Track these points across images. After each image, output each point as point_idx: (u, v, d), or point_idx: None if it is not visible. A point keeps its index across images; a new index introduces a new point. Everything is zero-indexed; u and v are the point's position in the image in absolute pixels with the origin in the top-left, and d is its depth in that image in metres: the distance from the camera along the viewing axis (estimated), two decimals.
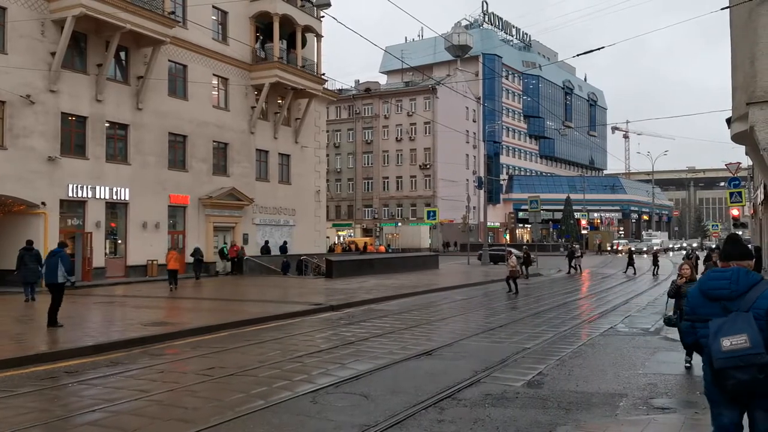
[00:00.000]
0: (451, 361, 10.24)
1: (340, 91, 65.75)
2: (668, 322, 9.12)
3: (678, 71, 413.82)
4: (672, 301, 9.86)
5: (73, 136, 26.08)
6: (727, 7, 11.08)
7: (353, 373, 9.18)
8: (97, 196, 26.56)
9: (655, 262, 34.54)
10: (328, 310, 17.30)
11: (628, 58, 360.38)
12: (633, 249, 42.47)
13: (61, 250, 14.06)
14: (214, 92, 33.12)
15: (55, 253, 13.86)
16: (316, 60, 38.45)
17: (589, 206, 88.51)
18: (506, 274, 23.10)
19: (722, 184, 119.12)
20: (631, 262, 34.47)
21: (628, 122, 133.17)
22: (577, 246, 39.42)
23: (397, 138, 73.38)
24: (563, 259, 41.26)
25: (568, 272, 34.73)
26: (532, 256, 33.82)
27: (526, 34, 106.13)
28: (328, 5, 38.56)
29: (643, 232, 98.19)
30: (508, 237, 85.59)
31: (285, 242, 35.77)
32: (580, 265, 35.77)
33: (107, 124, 27.27)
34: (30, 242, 19.31)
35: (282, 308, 17.05)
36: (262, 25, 35.76)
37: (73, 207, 26.05)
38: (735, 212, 29.32)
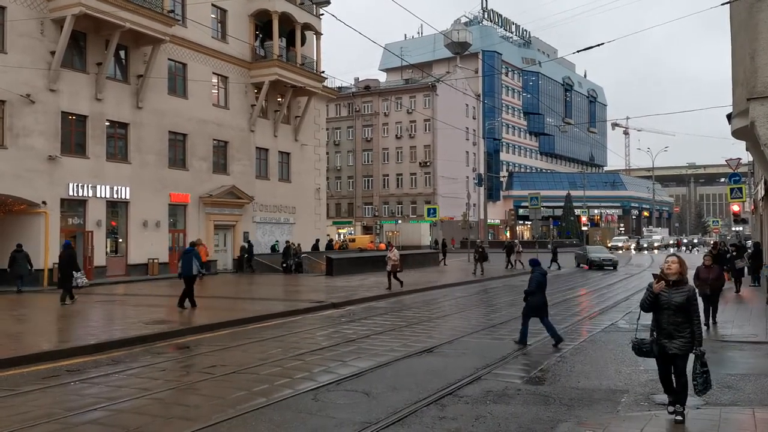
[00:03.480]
0: (452, 358, 10.25)
1: (340, 88, 65.65)
2: (638, 348, 6.60)
3: (678, 63, 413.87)
4: (648, 316, 6.68)
5: (73, 135, 26.05)
6: (727, 2, 11.06)
7: (354, 370, 9.19)
8: (98, 195, 26.55)
9: (508, 256, 35.29)
10: (329, 308, 17.31)
11: (628, 50, 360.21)
12: (557, 245, 44.47)
13: (193, 249, 16.74)
14: (213, 90, 33.08)
15: (189, 252, 16.47)
16: (315, 58, 38.41)
17: (590, 203, 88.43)
18: (388, 269, 21.98)
19: (723, 180, 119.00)
20: (554, 258, 36.13)
21: (628, 118, 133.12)
22: (516, 242, 39.39)
23: (396, 135, 73.33)
24: (565, 255, 41.30)
25: (506, 267, 34.67)
26: (487, 251, 32.85)
27: (526, 30, 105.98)
28: (328, 3, 38.70)
29: (644, 229, 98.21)
30: (508, 234, 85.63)
31: (275, 242, 35.88)
32: (521, 261, 35.25)
33: (107, 123, 27.25)
34: (19, 245, 21.94)
35: (283, 306, 17.07)
36: (262, 23, 35.72)
37: (73, 206, 26.04)
38: (735, 208, 29.32)
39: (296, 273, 31.29)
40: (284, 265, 31.71)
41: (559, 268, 35.80)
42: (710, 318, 13.15)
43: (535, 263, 11.86)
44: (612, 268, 35.66)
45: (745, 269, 23.29)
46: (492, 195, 78.58)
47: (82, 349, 10.83)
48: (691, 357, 6.40)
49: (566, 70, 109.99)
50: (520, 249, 36.32)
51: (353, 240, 62.75)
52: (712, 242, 36.59)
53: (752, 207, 40.94)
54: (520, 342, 11.34)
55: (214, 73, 32.84)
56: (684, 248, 72.85)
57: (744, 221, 45.49)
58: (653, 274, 6.42)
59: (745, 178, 42.86)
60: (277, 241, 35.62)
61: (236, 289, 23.80)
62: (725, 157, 30.35)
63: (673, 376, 6.49)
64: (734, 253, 22.54)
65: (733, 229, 67.48)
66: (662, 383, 6.69)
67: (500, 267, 34.38)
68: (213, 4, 32.61)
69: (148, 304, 18.04)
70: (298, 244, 33.29)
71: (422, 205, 64.35)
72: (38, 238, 24.11)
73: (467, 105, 76.68)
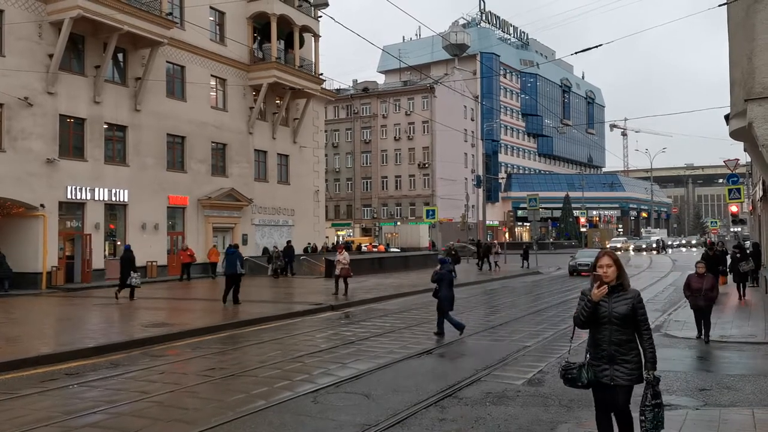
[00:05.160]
0: (452, 360, 10.25)
1: (338, 90, 65.70)
2: (565, 374, 4.94)
3: (676, 62, 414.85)
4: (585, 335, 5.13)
5: (71, 137, 26.03)
6: (724, 3, 11.07)
7: (354, 372, 9.18)
8: (96, 198, 26.53)
9: (486, 255, 34.43)
10: (328, 310, 17.30)
11: (626, 51, 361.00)
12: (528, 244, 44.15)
13: (236, 250, 18.49)
14: (212, 93, 33.08)
15: (232, 252, 18.21)
16: (313, 60, 38.44)
17: (588, 204, 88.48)
18: (337, 273, 20.29)
19: (721, 180, 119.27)
20: (525, 257, 36.38)
21: (626, 120, 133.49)
22: (495, 242, 38.18)
23: (395, 137, 73.33)
24: (563, 256, 41.27)
25: (480, 268, 33.79)
26: (460, 254, 31.70)
27: (524, 32, 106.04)
28: (326, 5, 38.73)
29: (642, 230, 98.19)
30: (507, 235, 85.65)
31: (309, 245, 35.97)
32: (497, 262, 34.40)
33: (105, 126, 27.23)
34: None
35: (282, 308, 17.06)
36: (260, 26, 35.73)
37: (72, 209, 26.02)
38: (734, 209, 29.33)
39: (279, 276, 29.77)
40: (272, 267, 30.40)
41: (528, 266, 35.53)
42: (704, 334, 11.71)
43: (442, 261, 13.41)
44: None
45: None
46: (491, 196, 78.61)
47: (80, 352, 10.80)
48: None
49: (564, 71, 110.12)
50: (498, 250, 35.49)
51: (352, 241, 62.62)
52: (707, 242, 34.90)
53: (750, 207, 40.98)
54: (438, 334, 12.58)
55: (212, 76, 32.84)
56: (662, 250, 69.63)
57: (742, 222, 45.57)
58: (593, 274, 4.84)
59: (744, 178, 42.89)
60: (309, 243, 36.66)
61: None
62: (723, 157, 30.27)
63: (613, 415, 4.93)
64: (738, 255, 20.39)
65: (732, 229, 67.55)
66: (598, 427, 5.01)
67: (483, 268, 33.79)
68: (211, 7, 32.63)
69: (146, 306, 18.01)
70: (276, 248, 31.94)
71: (421, 206, 64.31)
72: (36, 241, 24.09)
73: (465, 107, 76.71)
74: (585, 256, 33.05)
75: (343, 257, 20.25)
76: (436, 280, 12.89)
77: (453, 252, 30.34)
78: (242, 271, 18.25)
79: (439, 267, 13.07)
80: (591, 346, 4.90)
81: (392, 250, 53.73)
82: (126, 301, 18.96)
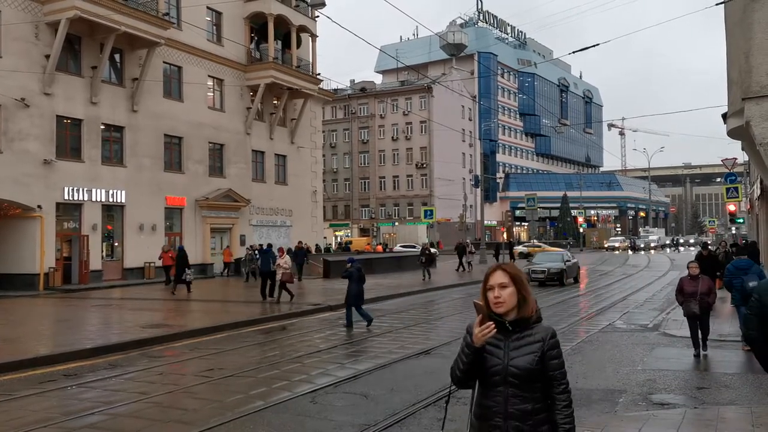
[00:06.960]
0: (450, 360, 10.18)
1: (336, 91, 65.60)
2: None
3: (674, 60, 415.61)
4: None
5: (68, 138, 25.98)
6: (721, 2, 11.08)
7: (352, 372, 9.18)
8: (94, 199, 26.47)
9: (461, 256, 33.31)
10: (326, 311, 17.29)
11: (623, 49, 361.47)
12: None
13: (270, 250, 20.56)
14: (209, 93, 33.03)
15: (267, 252, 20.34)
16: (311, 60, 38.41)
17: (586, 203, 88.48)
18: (282, 279, 18.28)
19: (719, 179, 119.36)
20: (467, 254, 34.61)
21: (623, 119, 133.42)
22: (468, 242, 36.81)
23: (393, 137, 73.31)
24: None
25: (457, 269, 33.21)
26: (435, 253, 30.17)
27: (521, 32, 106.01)
28: (323, 5, 38.72)
29: (640, 229, 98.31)
30: (505, 235, 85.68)
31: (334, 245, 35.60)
32: (470, 262, 33.59)
33: (102, 127, 27.18)
34: None
35: (280, 309, 17.04)
36: (257, 26, 35.69)
37: (69, 210, 25.97)
38: (732, 208, 29.38)
39: (248, 280, 26.91)
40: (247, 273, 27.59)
41: (470, 267, 33.21)
42: (700, 346, 10.30)
43: (350, 261, 14.72)
44: (557, 283, 24.40)
45: None
46: (489, 196, 78.51)
47: (78, 354, 10.78)
48: None
49: (562, 71, 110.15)
50: (473, 250, 35.12)
51: (350, 242, 62.56)
52: (739, 240, 32.79)
53: (748, 206, 41.07)
54: (347, 326, 13.63)
55: (209, 76, 32.80)
56: (636, 249, 65.82)
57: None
58: (474, 303, 3.19)
59: (741, 177, 42.95)
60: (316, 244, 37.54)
61: (232, 292, 23.75)
62: (721, 156, 30.35)
63: None
64: (734, 254, 18.94)
65: (730, 228, 67.63)
66: None
67: (457, 269, 33.18)
68: (208, 7, 32.58)
69: (144, 307, 18.00)
70: (250, 248, 29.02)
71: (419, 206, 64.29)
72: (34, 243, 24.05)
73: (463, 106, 76.71)
74: (545, 260, 26.44)
75: (284, 261, 18.52)
76: (345, 275, 14.10)
77: (427, 252, 29.85)
78: (274, 269, 19.28)
79: (349, 265, 14.22)
80: (477, 416, 3.00)
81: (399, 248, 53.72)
82: (177, 295, 20.70)
